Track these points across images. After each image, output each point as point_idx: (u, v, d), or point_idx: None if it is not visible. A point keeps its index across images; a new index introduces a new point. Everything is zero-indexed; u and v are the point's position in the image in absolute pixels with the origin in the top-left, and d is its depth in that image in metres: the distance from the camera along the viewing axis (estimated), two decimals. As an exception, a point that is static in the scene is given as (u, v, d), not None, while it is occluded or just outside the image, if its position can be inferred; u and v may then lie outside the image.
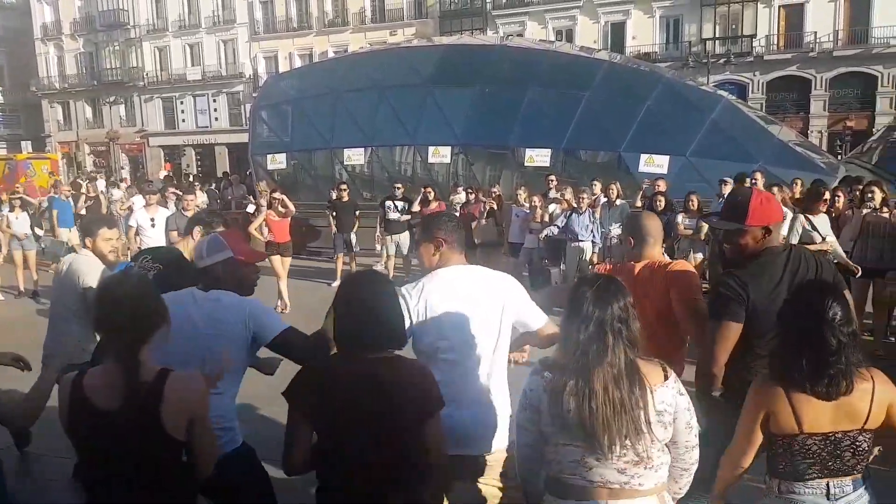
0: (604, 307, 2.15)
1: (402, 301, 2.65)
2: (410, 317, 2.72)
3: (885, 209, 7.17)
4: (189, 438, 2.17)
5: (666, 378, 2.20)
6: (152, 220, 9.09)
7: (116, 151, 46.66)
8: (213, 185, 22.02)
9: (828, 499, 2.27)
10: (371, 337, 2.30)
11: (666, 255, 9.24)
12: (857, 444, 2.27)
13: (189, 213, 9.08)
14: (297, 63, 38.33)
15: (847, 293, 2.72)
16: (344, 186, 12.58)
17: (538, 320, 2.91)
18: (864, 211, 7.19)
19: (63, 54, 47.54)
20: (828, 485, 2.27)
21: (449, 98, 17.63)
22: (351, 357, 2.31)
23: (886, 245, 6.98)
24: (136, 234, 9.23)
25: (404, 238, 11.64)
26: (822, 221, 7.05)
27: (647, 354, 2.25)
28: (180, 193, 10.61)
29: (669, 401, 2.17)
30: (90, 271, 4.13)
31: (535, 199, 10.49)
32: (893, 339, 7.31)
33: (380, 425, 2.22)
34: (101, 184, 23.96)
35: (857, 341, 2.27)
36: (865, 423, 2.25)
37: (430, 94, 17.59)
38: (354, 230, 11.97)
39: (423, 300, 2.76)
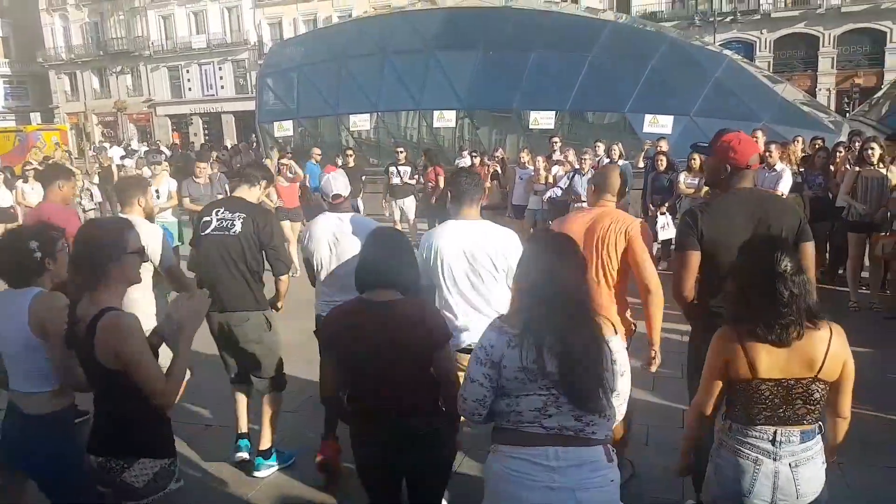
0: (568, 263, 2.29)
1: (421, 242, 3.55)
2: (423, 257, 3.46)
3: (881, 165, 7.26)
4: (124, 369, 2.37)
5: (615, 331, 2.33)
6: (157, 191, 9.16)
7: (124, 121, 46.72)
8: (221, 153, 22.14)
9: (773, 445, 2.34)
10: (385, 279, 2.65)
11: (668, 214, 9.50)
12: (810, 392, 2.32)
13: (201, 181, 9.22)
14: (302, 29, 38.07)
15: (809, 245, 3.04)
16: (350, 152, 12.74)
17: None
18: (857, 168, 7.28)
19: (69, 24, 47.35)
20: (775, 432, 2.34)
21: (453, 61, 17.65)
22: (367, 299, 2.67)
23: (879, 201, 7.09)
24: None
25: (409, 203, 11.79)
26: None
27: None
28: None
29: (620, 350, 2.31)
30: None
31: (539, 160, 10.61)
32: (889, 292, 7.46)
33: (395, 352, 2.57)
34: (116, 151, 24.06)
35: (810, 291, 2.32)
36: (819, 371, 2.30)
37: (434, 58, 17.60)
38: (360, 196, 12.13)
39: (433, 243, 3.50)
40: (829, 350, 2.29)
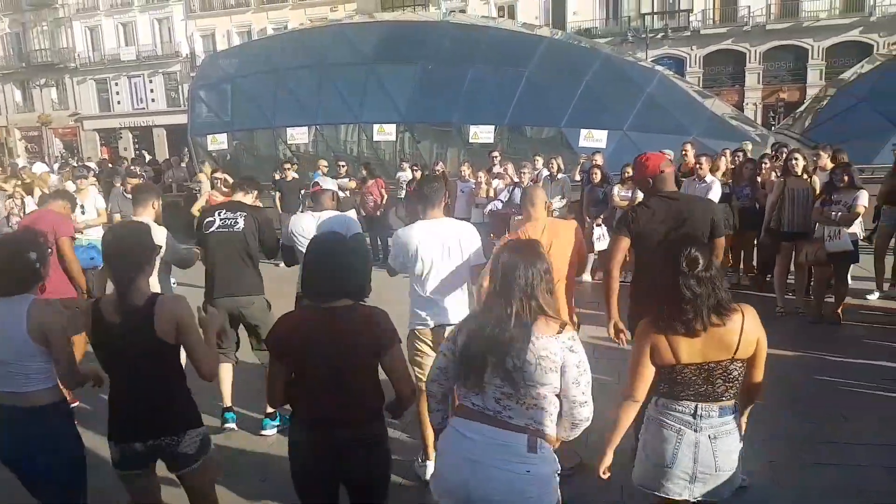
0: (512, 268, 2.43)
1: (396, 238, 4.17)
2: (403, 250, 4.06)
3: (804, 176, 7.57)
4: (182, 341, 2.81)
5: (559, 333, 2.38)
6: (82, 206, 8.82)
7: (49, 136, 44.99)
8: (143, 168, 21.33)
9: (693, 417, 2.60)
10: (328, 289, 2.70)
11: (604, 225, 9.70)
12: (729, 371, 2.58)
13: (131, 196, 8.90)
14: (236, 41, 37.46)
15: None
16: (288, 165, 12.54)
17: (478, 260, 4.11)
18: (782, 179, 7.58)
19: (-13, 35, 45.46)
20: (696, 406, 2.60)
21: (392, 75, 17.60)
22: (314, 306, 2.72)
23: (805, 211, 7.39)
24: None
25: (351, 215, 11.64)
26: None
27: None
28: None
29: (555, 350, 2.35)
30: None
31: (480, 174, 10.69)
32: (812, 297, 7.75)
33: (338, 361, 2.62)
34: (39, 167, 23.06)
35: (719, 284, 2.54)
36: (735, 352, 2.55)
37: (372, 72, 17.54)
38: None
39: (412, 241, 4.05)
40: (743, 331, 2.54)
